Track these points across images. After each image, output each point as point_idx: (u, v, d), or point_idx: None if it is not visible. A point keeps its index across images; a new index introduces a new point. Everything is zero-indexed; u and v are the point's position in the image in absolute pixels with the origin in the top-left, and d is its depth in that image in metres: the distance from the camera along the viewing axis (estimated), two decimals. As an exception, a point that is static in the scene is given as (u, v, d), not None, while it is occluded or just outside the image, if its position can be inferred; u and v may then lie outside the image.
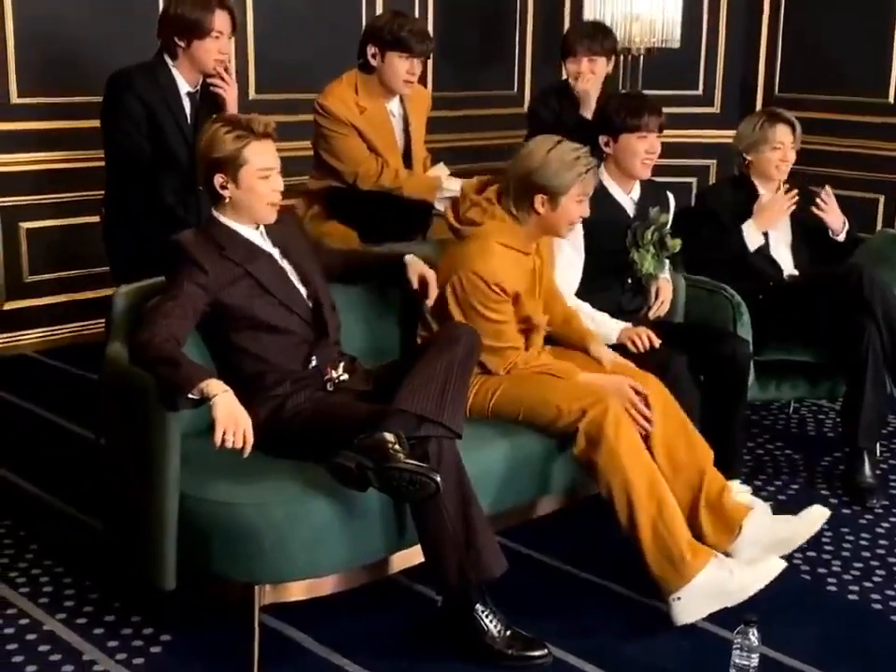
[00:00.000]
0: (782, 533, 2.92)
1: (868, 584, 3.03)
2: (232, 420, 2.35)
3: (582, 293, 3.37)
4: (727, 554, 2.84)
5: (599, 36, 4.21)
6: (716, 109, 6.46)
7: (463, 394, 2.66)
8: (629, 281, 3.48)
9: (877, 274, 3.64)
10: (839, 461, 3.84)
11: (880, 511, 3.49)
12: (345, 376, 2.79)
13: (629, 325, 3.32)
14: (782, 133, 3.78)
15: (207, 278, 2.62)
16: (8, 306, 4.82)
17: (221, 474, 2.52)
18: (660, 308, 3.53)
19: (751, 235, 3.72)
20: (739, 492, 3.19)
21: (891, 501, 3.55)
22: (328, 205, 3.84)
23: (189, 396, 2.37)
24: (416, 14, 5.67)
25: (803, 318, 3.65)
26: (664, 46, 5.60)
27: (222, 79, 3.58)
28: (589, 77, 4.15)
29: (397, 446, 2.43)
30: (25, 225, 4.80)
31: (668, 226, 3.46)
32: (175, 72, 3.54)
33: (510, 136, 5.83)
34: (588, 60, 4.15)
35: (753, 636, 2.45)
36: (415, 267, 2.99)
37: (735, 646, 2.47)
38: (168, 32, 3.51)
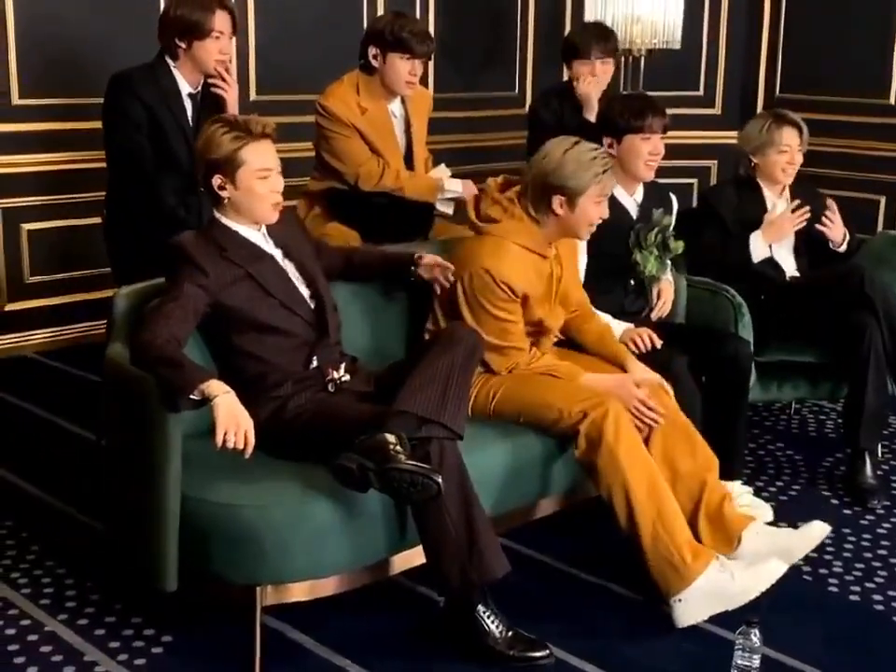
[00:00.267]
0: (781, 545, 2.90)
1: (870, 585, 3.03)
2: (234, 421, 2.35)
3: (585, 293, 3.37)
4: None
5: (611, 38, 4.25)
6: (717, 110, 6.47)
7: (464, 395, 2.66)
8: (632, 283, 3.48)
9: (878, 276, 3.64)
10: (840, 462, 3.83)
11: (882, 511, 3.48)
12: (347, 377, 2.79)
13: (631, 326, 3.32)
14: (789, 136, 3.76)
15: (208, 279, 2.62)
16: (10, 307, 4.82)
17: (222, 475, 2.51)
18: (662, 309, 3.53)
19: (758, 248, 3.71)
20: (741, 493, 3.20)
21: (893, 502, 3.55)
22: (329, 206, 3.84)
23: (191, 397, 2.36)
24: (417, 15, 5.68)
25: (804, 319, 3.65)
26: (665, 47, 5.60)
27: (223, 80, 3.58)
28: (590, 79, 4.16)
29: (398, 447, 2.42)
30: (26, 226, 4.80)
31: (671, 228, 3.47)
32: (176, 73, 3.54)
33: (511, 138, 5.84)
34: (601, 62, 4.17)
35: (755, 636, 2.45)
36: (430, 258, 3.03)
37: (736, 647, 2.47)
38: (169, 33, 3.51)
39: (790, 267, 3.86)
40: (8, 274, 4.79)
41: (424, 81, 4.33)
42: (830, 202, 3.88)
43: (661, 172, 3.49)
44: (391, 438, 2.44)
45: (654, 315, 3.52)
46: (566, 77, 4.47)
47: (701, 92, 6.44)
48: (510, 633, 2.61)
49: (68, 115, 4.70)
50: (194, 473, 2.50)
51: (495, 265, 2.91)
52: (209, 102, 3.59)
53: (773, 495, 3.57)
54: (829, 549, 3.20)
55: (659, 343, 3.25)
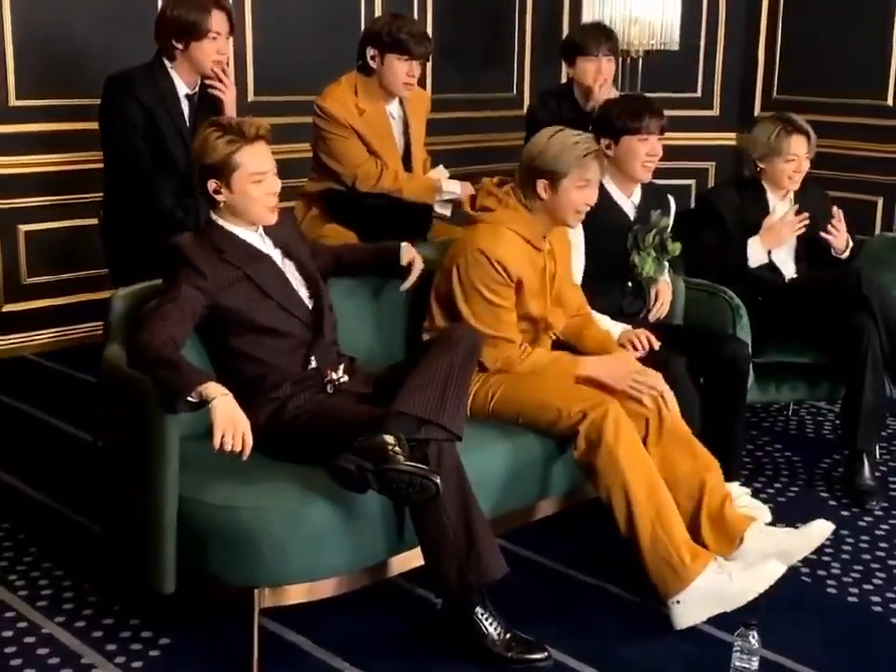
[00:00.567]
0: (783, 545, 2.89)
1: (868, 586, 3.03)
2: (231, 423, 2.35)
3: (583, 295, 3.37)
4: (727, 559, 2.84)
5: (613, 36, 4.26)
6: (715, 112, 6.47)
7: (463, 396, 2.66)
8: (629, 284, 3.48)
9: (875, 277, 3.64)
10: (838, 463, 3.83)
11: (880, 513, 3.48)
12: (345, 378, 2.79)
13: (629, 327, 3.32)
14: (797, 145, 3.74)
15: (205, 281, 2.61)
16: (7, 308, 4.81)
17: (220, 477, 2.51)
18: (659, 310, 3.53)
19: (756, 253, 3.70)
20: (739, 494, 3.19)
21: (891, 503, 3.55)
22: (327, 207, 3.83)
23: (188, 399, 2.36)
24: (415, 16, 5.68)
25: (802, 320, 3.65)
26: (662, 48, 5.60)
27: (220, 81, 3.58)
28: (601, 81, 4.15)
29: (396, 448, 2.42)
30: (24, 227, 4.79)
31: (669, 229, 3.46)
32: (173, 74, 3.54)
33: (509, 138, 5.82)
34: (606, 59, 4.16)
35: (753, 638, 2.45)
36: (409, 251, 3.08)
37: (735, 649, 2.47)
38: (166, 34, 3.51)
39: (789, 270, 3.85)
40: (6, 276, 4.79)
41: (422, 82, 4.33)
42: (836, 210, 3.86)
43: (658, 173, 3.49)
44: (390, 439, 2.44)
45: (652, 317, 3.52)
46: (564, 79, 4.46)
47: (699, 94, 6.45)
48: (507, 634, 2.60)
49: (65, 116, 4.69)
50: (192, 475, 2.49)
51: (489, 247, 2.93)
52: (206, 103, 3.59)
53: (771, 496, 3.57)
54: (827, 550, 3.19)
55: (657, 345, 3.25)
